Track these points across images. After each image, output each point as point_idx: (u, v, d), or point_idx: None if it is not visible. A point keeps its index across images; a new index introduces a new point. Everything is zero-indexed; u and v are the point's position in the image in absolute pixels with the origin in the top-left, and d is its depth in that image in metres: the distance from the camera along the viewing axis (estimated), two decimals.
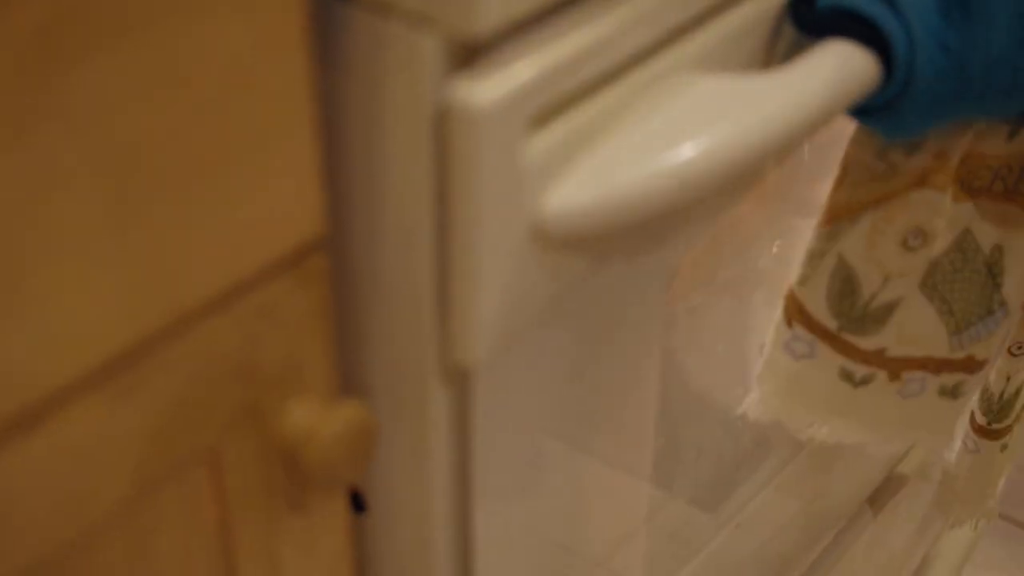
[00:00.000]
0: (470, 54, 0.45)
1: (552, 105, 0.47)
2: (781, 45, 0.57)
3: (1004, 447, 0.91)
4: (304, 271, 0.47)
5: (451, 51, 0.44)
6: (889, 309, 0.68)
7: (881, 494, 1.10)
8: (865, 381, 0.72)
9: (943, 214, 0.66)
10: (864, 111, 0.57)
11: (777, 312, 0.71)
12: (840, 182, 0.64)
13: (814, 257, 0.67)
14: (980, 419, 0.90)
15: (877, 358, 0.71)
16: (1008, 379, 0.85)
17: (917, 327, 0.70)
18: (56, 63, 0.35)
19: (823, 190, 0.66)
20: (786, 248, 0.82)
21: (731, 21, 0.54)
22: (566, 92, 0.47)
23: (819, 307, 0.68)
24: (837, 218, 0.65)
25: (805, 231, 0.67)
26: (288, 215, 0.46)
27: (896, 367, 0.72)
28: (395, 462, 0.55)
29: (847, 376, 0.72)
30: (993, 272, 0.70)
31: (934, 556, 1.23)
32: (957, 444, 0.94)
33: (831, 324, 0.69)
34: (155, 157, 0.39)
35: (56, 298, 0.38)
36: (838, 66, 0.53)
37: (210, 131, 0.41)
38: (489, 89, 0.44)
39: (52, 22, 0.35)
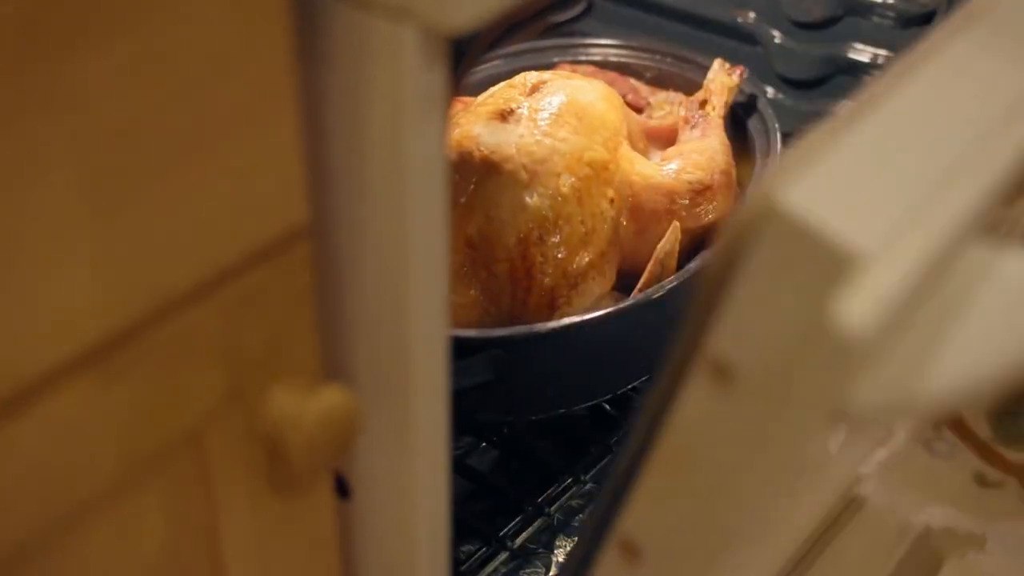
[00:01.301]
0: None
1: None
2: None
3: None
4: (287, 259, 0.48)
5: (430, 43, 0.45)
6: None
7: None
8: (996, 485, 0.72)
9: None
10: None
11: None
12: None
13: None
14: None
15: (1018, 469, 0.71)
16: None
17: None
18: (41, 53, 0.36)
19: None
20: None
21: None
22: None
23: (978, 419, 0.68)
24: None
25: None
26: (271, 203, 0.46)
27: None
28: (378, 447, 0.56)
29: (980, 478, 0.71)
30: None
31: None
32: None
33: (985, 434, 0.68)
34: (138, 145, 0.40)
35: (40, 283, 0.39)
36: None
37: (192, 120, 0.42)
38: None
39: (38, 12, 0.36)
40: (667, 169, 0.89)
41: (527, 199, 0.84)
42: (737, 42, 1.18)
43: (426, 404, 0.54)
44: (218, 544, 0.51)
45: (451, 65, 0.48)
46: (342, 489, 0.58)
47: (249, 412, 0.49)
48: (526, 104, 0.88)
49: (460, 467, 0.91)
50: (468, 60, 0.50)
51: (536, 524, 0.83)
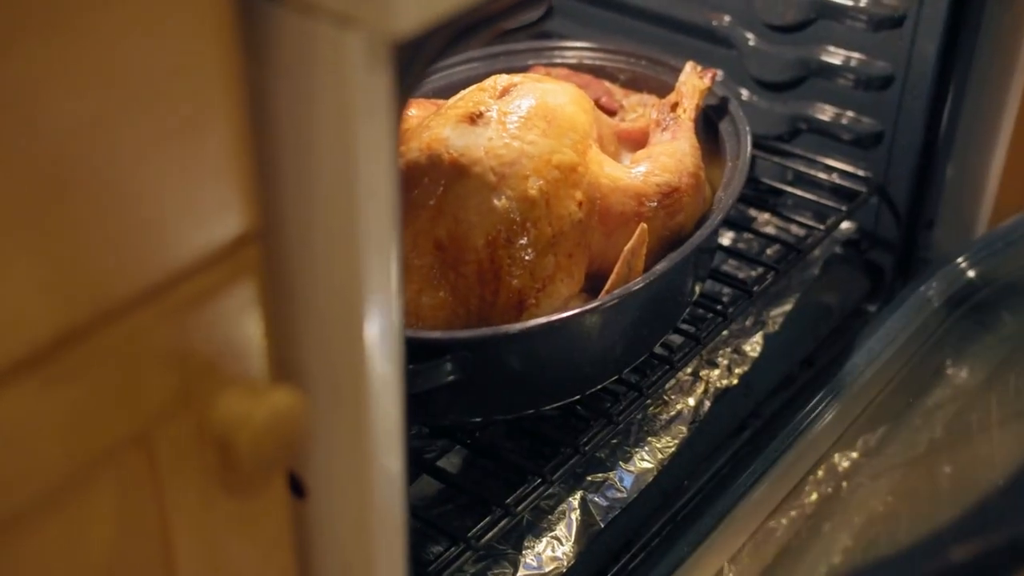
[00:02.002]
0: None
1: None
2: None
3: None
4: (237, 262, 0.48)
5: (375, 49, 0.45)
6: None
7: None
8: None
9: None
10: None
11: None
12: None
13: None
14: None
15: None
16: None
17: None
18: None
19: None
20: None
21: None
22: None
23: None
24: None
25: None
26: (218, 208, 0.47)
27: None
28: (332, 447, 0.56)
29: None
30: None
31: None
32: None
33: None
34: (80, 148, 0.41)
35: None
36: None
37: (136, 124, 0.43)
38: None
39: None
40: (635, 172, 0.90)
41: (495, 201, 0.84)
42: (712, 45, 1.18)
43: (379, 404, 0.55)
44: (169, 545, 0.51)
45: (402, 70, 0.49)
46: (298, 489, 0.59)
47: (198, 414, 0.49)
48: (495, 107, 0.89)
49: (429, 467, 0.92)
50: (419, 65, 0.50)
51: (503, 524, 0.83)
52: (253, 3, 0.46)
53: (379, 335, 0.53)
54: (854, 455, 1.02)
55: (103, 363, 0.45)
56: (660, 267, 0.85)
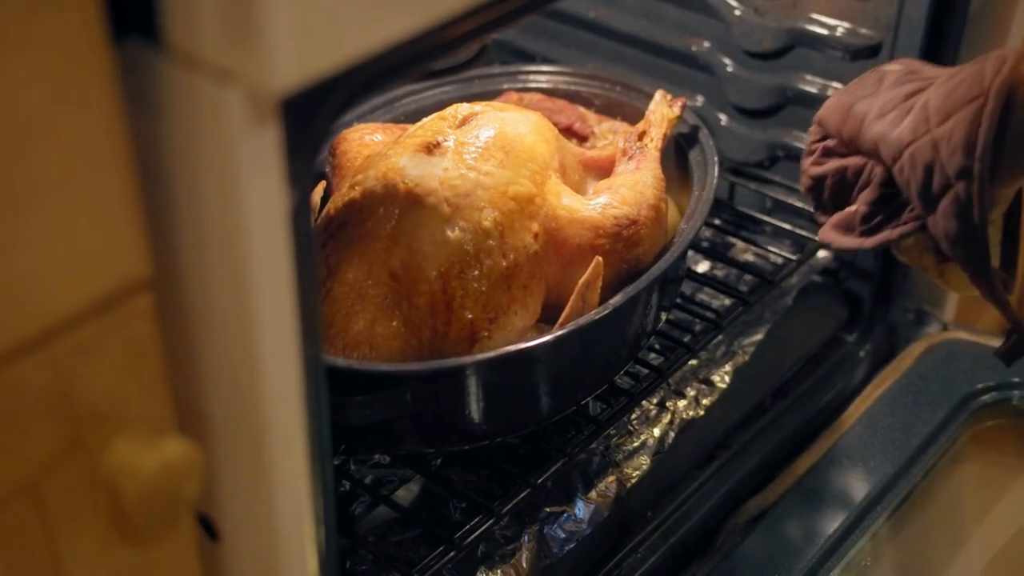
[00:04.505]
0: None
1: None
2: None
3: None
4: (125, 311, 0.48)
5: (257, 105, 0.45)
6: None
7: None
8: None
9: None
10: None
11: None
12: None
13: None
14: None
15: None
16: None
17: None
18: None
19: None
20: None
21: None
22: None
23: None
24: None
25: None
26: (103, 256, 0.47)
27: None
28: (238, 492, 0.56)
29: None
30: None
31: None
32: None
33: None
34: None
35: None
36: None
37: (8, 174, 0.42)
38: None
39: None
40: (593, 203, 0.89)
41: (448, 233, 0.84)
42: (692, 70, 1.17)
43: (282, 449, 0.54)
44: None
45: (299, 121, 0.49)
46: (211, 532, 0.59)
47: (89, 463, 0.49)
48: (452, 137, 0.88)
49: (384, 498, 0.91)
50: (330, 111, 0.50)
51: (452, 556, 0.83)
52: (137, 54, 0.46)
53: (279, 382, 0.52)
54: None
55: None
56: (615, 300, 0.85)
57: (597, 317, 0.83)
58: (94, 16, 0.43)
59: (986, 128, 0.70)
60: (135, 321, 0.49)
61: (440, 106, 0.99)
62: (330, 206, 0.89)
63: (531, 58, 1.28)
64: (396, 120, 1.05)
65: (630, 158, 0.96)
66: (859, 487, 1.02)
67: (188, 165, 0.48)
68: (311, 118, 0.49)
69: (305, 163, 0.50)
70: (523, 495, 0.86)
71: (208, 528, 0.59)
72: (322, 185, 0.97)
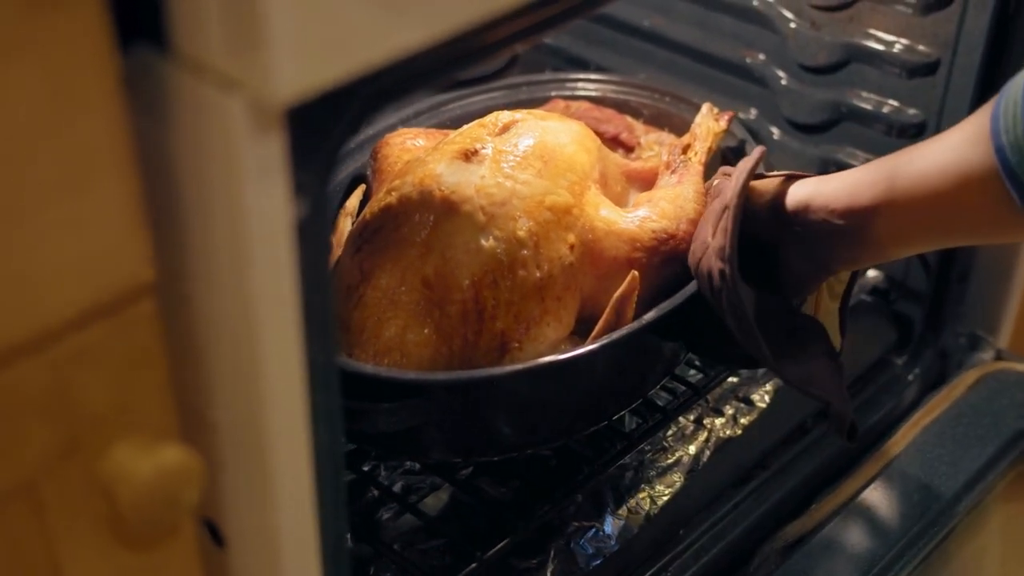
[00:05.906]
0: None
1: None
2: None
3: None
4: (127, 316, 0.48)
5: (261, 114, 0.45)
6: None
7: None
8: None
9: None
10: None
11: None
12: None
13: None
14: None
15: None
16: None
17: None
18: None
19: None
20: None
21: None
22: None
23: None
24: None
25: None
26: (106, 261, 0.47)
27: None
28: (242, 498, 0.56)
29: None
30: None
31: None
32: None
33: None
34: None
35: None
36: None
37: (12, 178, 0.42)
38: None
39: None
40: (632, 216, 0.87)
41: (482, 241, 0.83)
42: (746, 82, 1.16)
43: (286, 455, 0.54)
44: None
45: (310, 132, 0.48)
46: (217, 538, 0.59)
47: (88, 466, 0.49)
48: (491, 145, 0.88)
49: (410, 506, 0.91)
50: (347, 121, 0.49)
51: (473, 568, 0.82)
52: (145, 59, 0.46)
53: (282, 388, 0.52)
54: None
55: None
56: (649, 316, 0.83)
57: (630, 332, 0.81)
58: (100, 21, 0.43)
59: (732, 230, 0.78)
60: (137, 326, 0.48)
61: (486, 111, 0.99)
62: (367, 211, 0.89)
63: (584, 65, 1.27)
64: (441, 125, 1.04)
65: (673, 171, 0.94)
66: (903, 519, 0.99)
67: (193, 171, 0.47)
68: (322, 128, 0.49)
69: (317, 173, 0.50)
70: (548, 509, 0.85)
71: (215, 534, 0.59)
72: (361, 189, 0.97)
